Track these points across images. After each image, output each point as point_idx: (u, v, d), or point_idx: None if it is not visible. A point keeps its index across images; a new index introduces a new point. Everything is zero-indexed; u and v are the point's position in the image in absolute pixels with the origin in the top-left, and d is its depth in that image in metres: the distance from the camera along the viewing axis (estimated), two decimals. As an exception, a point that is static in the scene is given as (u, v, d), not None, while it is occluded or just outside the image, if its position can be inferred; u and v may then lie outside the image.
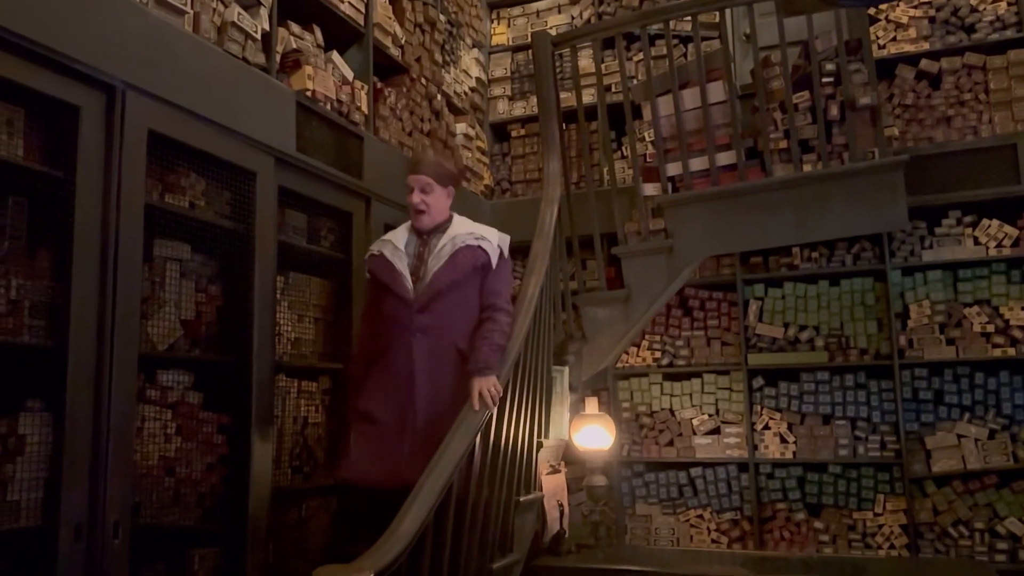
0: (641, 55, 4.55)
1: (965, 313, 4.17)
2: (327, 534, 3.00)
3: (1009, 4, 4.28)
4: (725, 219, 3.62)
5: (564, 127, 4.23)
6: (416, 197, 2.69)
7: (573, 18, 5.11)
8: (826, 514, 4.27)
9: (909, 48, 4.44)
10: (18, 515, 2.00)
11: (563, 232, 3.82)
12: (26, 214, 2.13)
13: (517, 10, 5.31)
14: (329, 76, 3.25)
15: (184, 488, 2.48)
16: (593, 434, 3.66)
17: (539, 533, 3.29)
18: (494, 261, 2.70)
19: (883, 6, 4.47)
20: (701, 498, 4.50)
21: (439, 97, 4.31)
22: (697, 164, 3.70)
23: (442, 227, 2.74)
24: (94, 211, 2.19)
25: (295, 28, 3.20)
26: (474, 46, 4.98)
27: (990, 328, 4.12)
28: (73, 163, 2.16)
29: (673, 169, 3.75)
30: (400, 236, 2.76)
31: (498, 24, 5.31)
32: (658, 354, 4.69)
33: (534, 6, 5.27)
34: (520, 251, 4.33)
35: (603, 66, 4.27)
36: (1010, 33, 4.25)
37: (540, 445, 3.18)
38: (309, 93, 3.08)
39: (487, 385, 2.50)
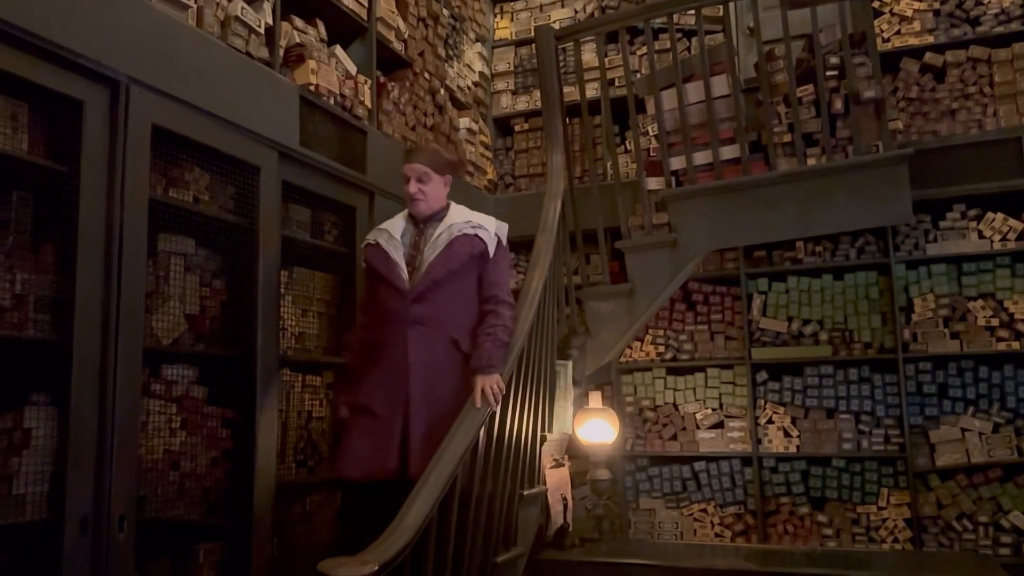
0: (644, 49, 4.54)
1: (969, 307, 4.16)
2: (331, 528, 3.00)
3: (1014, -3, 4.27)
4: (729, 213, 3.61)
5: (567, 121, 4.22)
6: (413, 186, 2.65)
7: (576, 12, 5.10)
8: (830, 508, 4.27)
9: (913, 41, 4.42)
10: (24, 509, 2.01)
11: (567, 226, 3.82)
12: (30, 208, 2.14)
13: (520, 4, 5.30)
14: (332, 70, 3.25)
15: (189, 482, 2.49)
16: (597, 428, 3.66)
17: (543, 527, 3.30)
18: (492, 250, 2.65)
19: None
20: (705, 492, 4.50)
21: (442, 91, 4.31)
22: (701, 158, 3.69)
23: (439, 215, 2.69)
24: (98, 206, 2.19)
25: (298, 22, 3.20)
26: (477, 40, 4.97)
27: (994, 322, 4.11)
28: (77, 158, 2.16)
29: (677, 163, 3.74)
30: (396, 225, 2.71)
31: (501, 18, 5.30)
32: (662, 348, 4.68)
33: (537, 0, 5.26)
34: (524, 245, 4.34)
35: (606, 60, 4.26)
36: (1015, 26, 4.23)
37: (544, 439, 3.18)
38: (312, 87, 3.08)
39: (490, 383, 2.47)
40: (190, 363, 2.56)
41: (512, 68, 5.17)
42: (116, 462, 2.15)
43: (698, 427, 4.55)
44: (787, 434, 4.38)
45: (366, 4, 3.60)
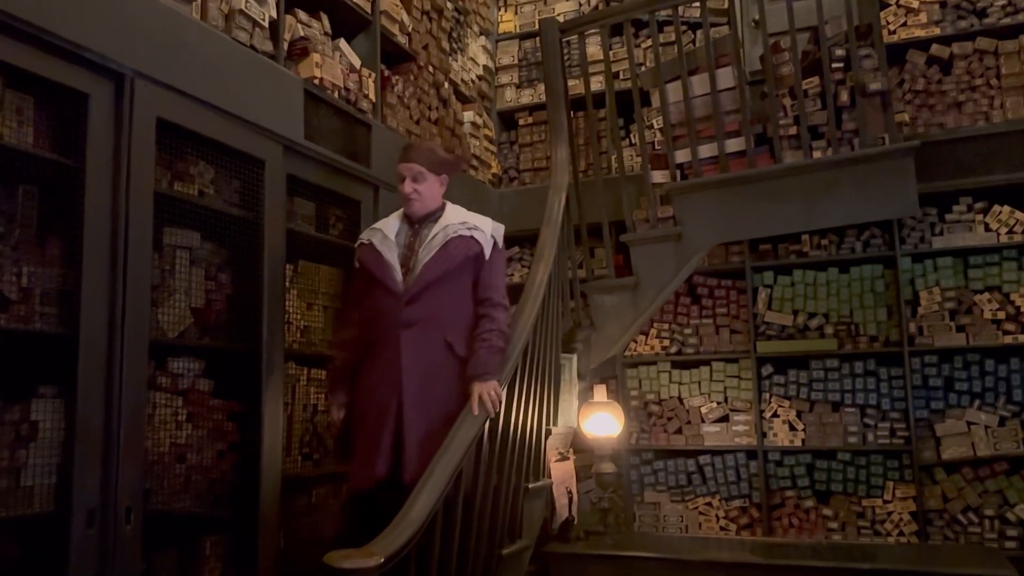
0: (649, 41, 4.52)
1: (975, 300, 4.15)
2: (337, 520, 3.01)
3: (1021, -12, 4.24)
4: (734, 206, 3.60)
5: (572, 115, 4.21)
6: (408, 186, 2.61)
7: (581, 5, 5.08)
8: (835, 501, 4.26)
9: (920, 33, 4.40)
10: (31, 500, 2.02)
11: (571, 220, 3.82)
12: (36, 202, 2.14)
13: (524, -3, 5.28)
14: (336, 64, 3.25)
15: (195, 475, 2.50)
16: (602, 422, 3.67)
17: (548, 520, 3.31)
18: (487, 251, 2.60)
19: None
20: (710, 485, 4.50)
21: (446, 85, 4.31)
22: (706, 151, 3.68)
23: (434, 216, 2.64)
24: (104, 199, 2.20)
25: (302, 16, 3.19)
26: (481, 34, 4.96)
27: (1001, 315, 4.09)
28: (82, 151, 2.17)
29: (682, 156, 3.73)
30: (391, 225, 2.66)
31: (505, 11, 5.29)
32: (667, 342, 4.68)
33: (541, -7, 5.24)
34: (528, 239, 4.34)
35: (611, 53, 4.25)
36: (1022, 17, 4.20)
37: (549, 432, 3.18)
38: (317, 81, 3.08)
39: (487, 390, 2.43)
40: (196, 356, 2.57)
41: (516, 61, 5.15)
42: (123, 454, 2.16)
43: (703, 421, 4.54)
44: (792, 427, 4.37)
45: (370, -3, 3.60)
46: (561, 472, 3.33)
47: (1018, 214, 4.10)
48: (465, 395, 2.46)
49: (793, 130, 3.55)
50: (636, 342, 4.71)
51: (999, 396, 4.07)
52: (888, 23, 4.41)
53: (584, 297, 3.89)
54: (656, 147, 4.08)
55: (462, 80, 4.57)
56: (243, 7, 2.76)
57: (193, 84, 2.47)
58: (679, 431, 4.59)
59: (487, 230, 2.63)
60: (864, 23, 3.57)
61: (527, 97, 5.09)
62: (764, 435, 4.41)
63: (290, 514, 2.82)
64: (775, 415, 4.41)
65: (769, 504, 4.37)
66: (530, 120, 5.04)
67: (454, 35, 4.52)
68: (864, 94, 3.39)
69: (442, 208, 2.68)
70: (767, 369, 4.47)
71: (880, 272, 4.36)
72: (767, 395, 4.45)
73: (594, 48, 4.71)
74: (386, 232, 2.63)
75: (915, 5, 4.41)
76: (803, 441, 4.35)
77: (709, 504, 4.49)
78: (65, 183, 2.16)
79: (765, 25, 3.61)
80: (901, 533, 4.11)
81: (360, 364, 2.61)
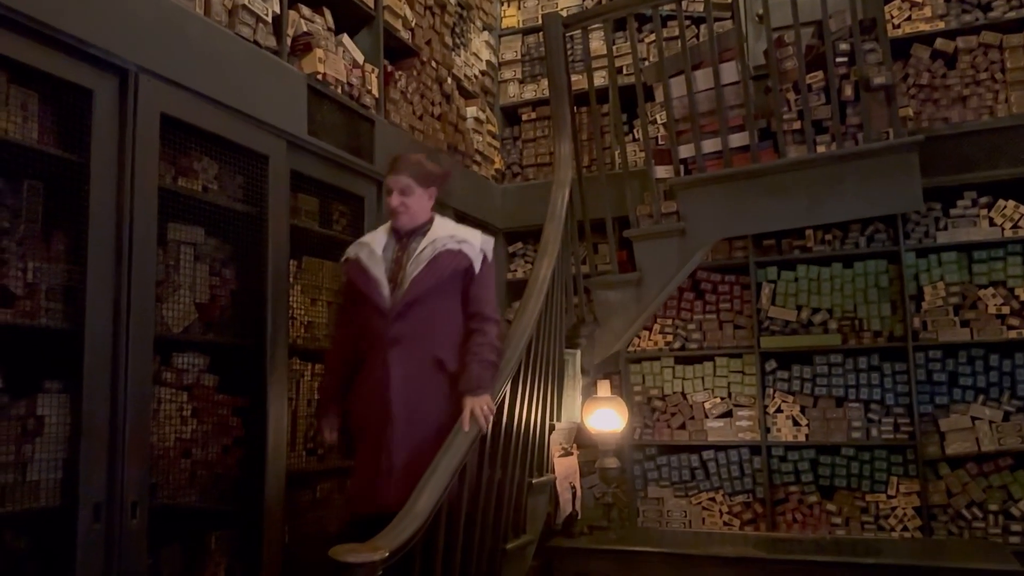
0: (653, 36, 4.52)
1: (980, 295, 4.14)
2: (341, 515, 3.02)
3: (1026, -19, 4.22)
4: (738, 201, 3.60)
5: (575, 110, 4.21)
6: (395, 200, 2.52)
7: (584, -1, 5.08)
8: (839, 496, 4.26)
9: (924, 27, 4.38)
10: (38, 495, 2.03)
11: (575, 215, 3.82)
12: (41, 197, 2.15)
13: (527, -8, 5.27)
14: (340, 59, 3.25)
15: (200, 470, 2.51)
16: (605, 417, 3.67)
17: (552, 515, 3.31)
18: (477, 265, 2.53)
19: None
20: (713, 481, 4.50)
21: (449, 80, 4.30)
22: (710, 146, 3.68)
23: (422, 229, 2.56)
24: (108, 194, 2.20)
25: (305, 11, 3.19)
26: (484, 29, 4.95)
27: (1005, 310, 4.08)
28: (87, 147, 2.17)
29: (685, 151, 3.73)
30: (378, 239, 2.58)
31: (508, 6, 5.28)
32: (670, 337, 4.68)
33: (544, -12, 5.24)
34: (531, 235, 4.33)
35: (614, 48, 4.24)
36: (1027, 11, 4.20)
37: (552, 428, 3.18)
38: (320, 76, 3.08)
39: (479, 404, 2.37)
40: (201, 351, 2.57)
41: (519, 56, 5.14)
42: (128, 449, 2.17)
43: (707, 416, 4.54)
44: (796, 423, 4.37)
45: (373, -8, 3.60)
46: (565, 467, 3.33)
47: (1023, 208, 4.09)
48: (457, 411, 2.40)
49: (797, 125, 3.54)
50: (640, 337, 4.71)
51: (1003, 391, 4.07)
52: (892, 17, 4.40)
53: (588, 293, 3.89)
54: (660, 142, 4.07)
55: (465, 75, 4.57)
56: (246, 2, 2.76)
57: (197, 80, 2.47)
58: (683, 426, 4.59)
59: (476, 243, 2.56)
60: (868, 17, 3.56)
61: (530, 92, 5.08)
62: (768, 430, 4.41)
63: (295, 509, 2.82)
64: (779, 410, 4.41)
65: (773, 499, 4.37)
66: (533, 115, 5.04)
67: (457, 30, 4.51)
68: (868, 88, 3.38)
69: (430, 221, 2.60)
70: (771, 364, 4.47)
71: (884, 267, 4.35)
72: (771, 390, 4.44)
73: (597, 43, 4.70)
74: (373, 247, 2.56)
75: (920, -1, 4.40)
76: (807, 436, 4.35)
77: (713, 499, 4.49)
78: (70, 179, 2.16)
79: (769, 19, 3.60)
80: (905, 528, 4.11)
81: (354, 380, 2.56)
